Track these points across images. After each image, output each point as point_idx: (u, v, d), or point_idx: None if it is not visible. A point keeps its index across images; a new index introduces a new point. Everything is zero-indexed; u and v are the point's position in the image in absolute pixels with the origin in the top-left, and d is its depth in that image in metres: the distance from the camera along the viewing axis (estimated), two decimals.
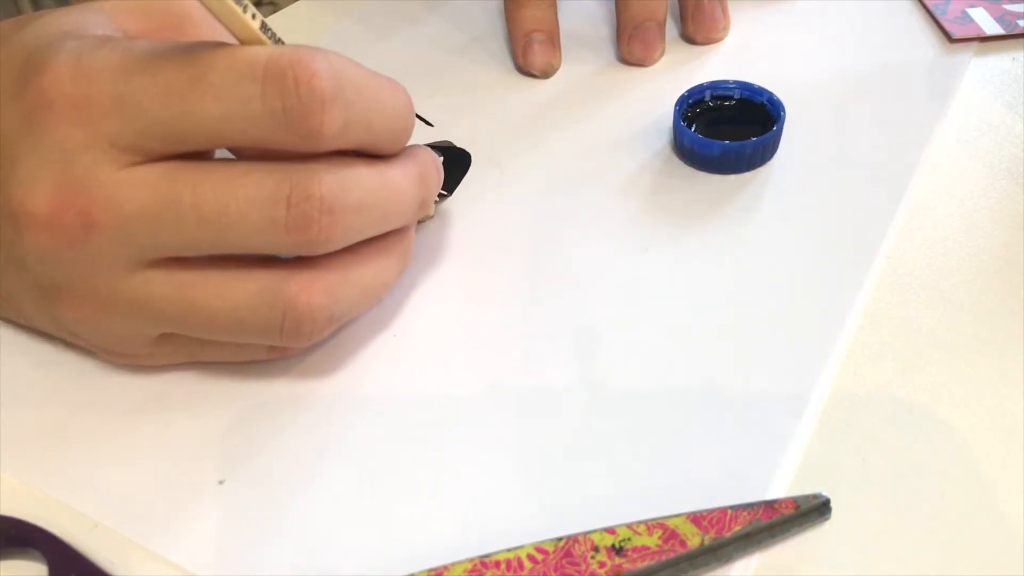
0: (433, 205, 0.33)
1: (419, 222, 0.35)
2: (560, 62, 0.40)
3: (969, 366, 0.27)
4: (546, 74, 0.40)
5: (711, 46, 0.41)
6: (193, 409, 0.28)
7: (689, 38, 0.41)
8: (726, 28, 0.41)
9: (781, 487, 0.24)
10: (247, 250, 0.25)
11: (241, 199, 0.23)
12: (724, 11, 0.41)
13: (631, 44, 0.39)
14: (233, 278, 0.25)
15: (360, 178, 0.25)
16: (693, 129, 0.34)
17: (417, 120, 0.34)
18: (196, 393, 0.28)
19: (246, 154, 0.25)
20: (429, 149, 0.29)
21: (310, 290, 0.25)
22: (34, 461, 0.26)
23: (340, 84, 0.23)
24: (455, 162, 0.34)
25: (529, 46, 0.39)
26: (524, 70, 0.40)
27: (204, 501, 0.25)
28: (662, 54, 0.40)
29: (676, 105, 0.35)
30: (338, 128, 0.24)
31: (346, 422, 0.27)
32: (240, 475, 0.26)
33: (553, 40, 0.40)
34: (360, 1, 0.46)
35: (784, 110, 0.34)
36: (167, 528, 0.25)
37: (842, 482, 0.24)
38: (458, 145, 0.33)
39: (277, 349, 0.28)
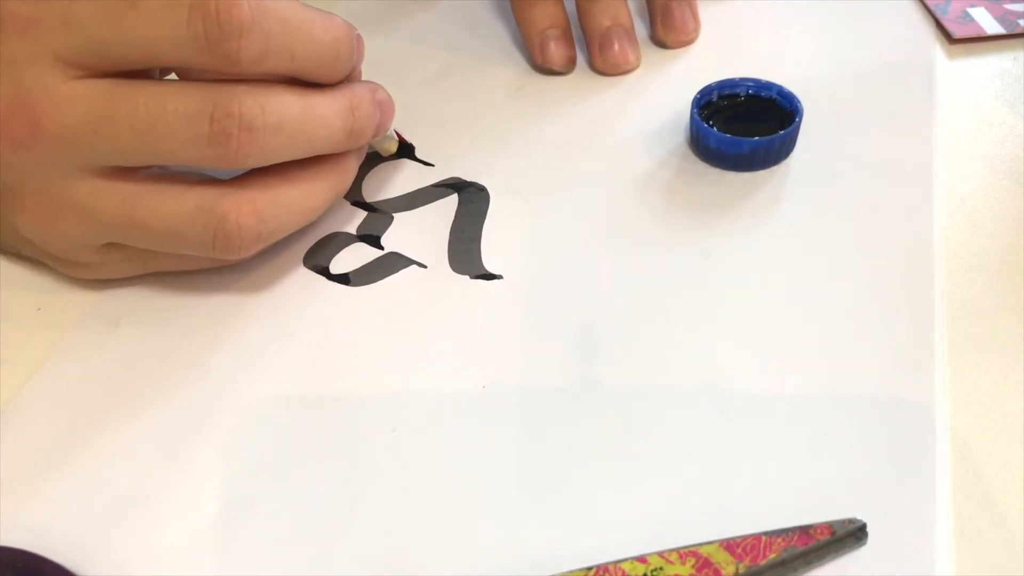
0: (393, 141, 0.35)
1: (384, 157, 0.36)
2: (577, 56, 0.40)
3: (969, 366, 0.27)
4: (567, 68, 0.39)
5: (712, 47, 0.41)
6: (194, 424, 0.27)
7: (660, 42, 0.41)
8: (697, 30, 0.41)
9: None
10: (178, 162, 0.27)
11: (170, 114, 0.26)
12: (694, 14, 0.40)
13: (603, 54, 0.39)
14: (172, 194, 0.28)
15: (281, 101, 0.27)
16: (715, 129, 0.34)
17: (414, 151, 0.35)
18: (195, 408, 0.28)
19: (182, 77, 0.28)
20: (372, 86, 0.31)
21: (239, 210, 0.27)
22: (37, 491, 0.26)
23: (261, 14, 0.26)
24: (472, 201, 0.34)
25: (545, 43, 0.39)
26: (544, 68, 0.40)
27: (210, 529, 0.25)
28: (639, 57, 0.40)
29: (692, 107, 0.35)
30: (255, 54, 0.26)
31: (346, 429, 0.27)
32: (242, 482, 0.26)
33: (568, 35, 0.40)
34: (355, 1, 0.46)
35: (800, 102, 0.34)
36: (176, 558, 0.24)
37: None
38: (467, 179, 0.34)
39: (220, 259, 0.29)
